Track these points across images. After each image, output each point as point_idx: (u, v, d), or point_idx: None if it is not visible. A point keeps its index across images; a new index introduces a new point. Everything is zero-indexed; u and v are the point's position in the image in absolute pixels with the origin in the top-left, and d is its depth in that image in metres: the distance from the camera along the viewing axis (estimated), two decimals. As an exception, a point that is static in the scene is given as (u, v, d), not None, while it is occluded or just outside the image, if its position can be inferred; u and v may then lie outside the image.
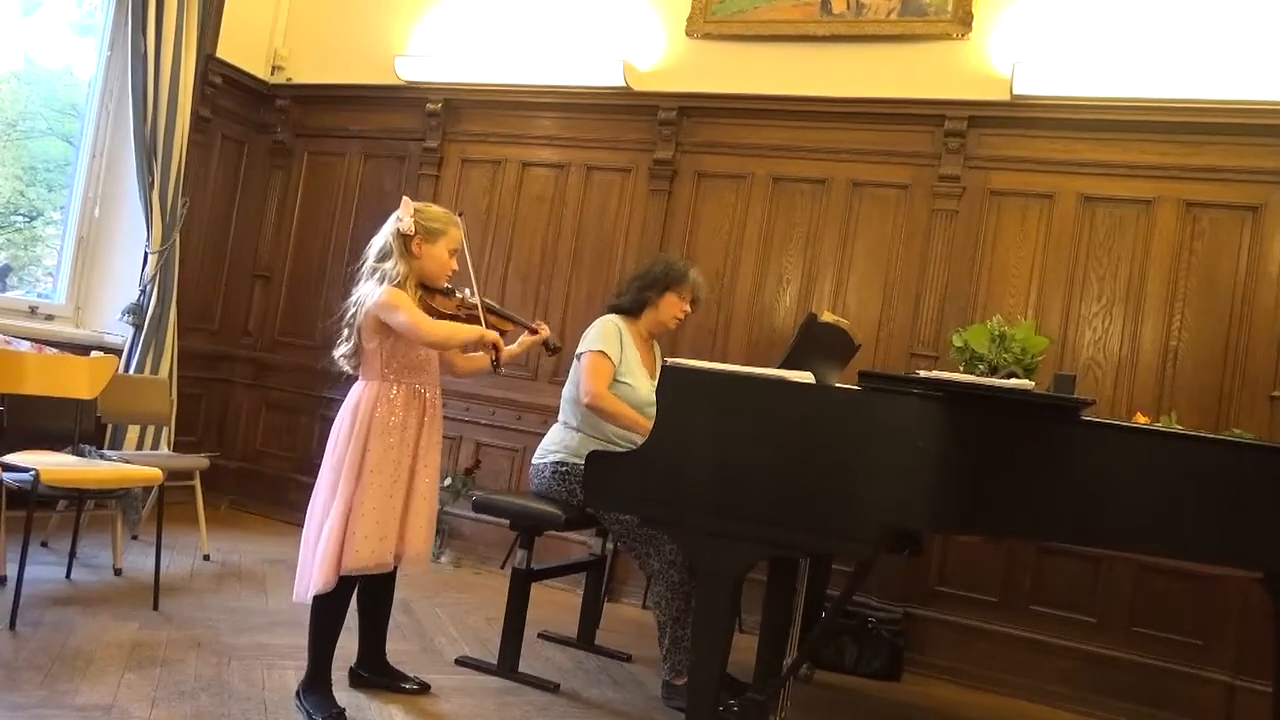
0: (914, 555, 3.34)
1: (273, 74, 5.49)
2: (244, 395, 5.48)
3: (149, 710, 2.54)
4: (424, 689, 2.97)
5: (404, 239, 2.72)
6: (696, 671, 2.48)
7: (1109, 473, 2.33)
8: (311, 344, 5.29)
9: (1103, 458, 2.34)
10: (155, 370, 4.67)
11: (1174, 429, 2.58)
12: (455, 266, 2.82)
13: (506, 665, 3.22)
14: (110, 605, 3.37)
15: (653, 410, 3.31)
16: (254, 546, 4.56)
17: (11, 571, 3.22)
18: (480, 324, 2.79)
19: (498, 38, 5.01)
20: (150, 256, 4.69)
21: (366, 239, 2.83)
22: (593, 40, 4.81)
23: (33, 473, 3.11)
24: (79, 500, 3.77)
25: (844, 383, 2.86)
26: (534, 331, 2.98)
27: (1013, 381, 2.38)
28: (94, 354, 4.17)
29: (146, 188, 4.64)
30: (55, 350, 4.04)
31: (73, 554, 3.73)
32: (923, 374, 2.38)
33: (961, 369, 2.91)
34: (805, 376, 2.47)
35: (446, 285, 2.82)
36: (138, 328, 4.65)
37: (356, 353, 2.74)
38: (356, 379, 2.79)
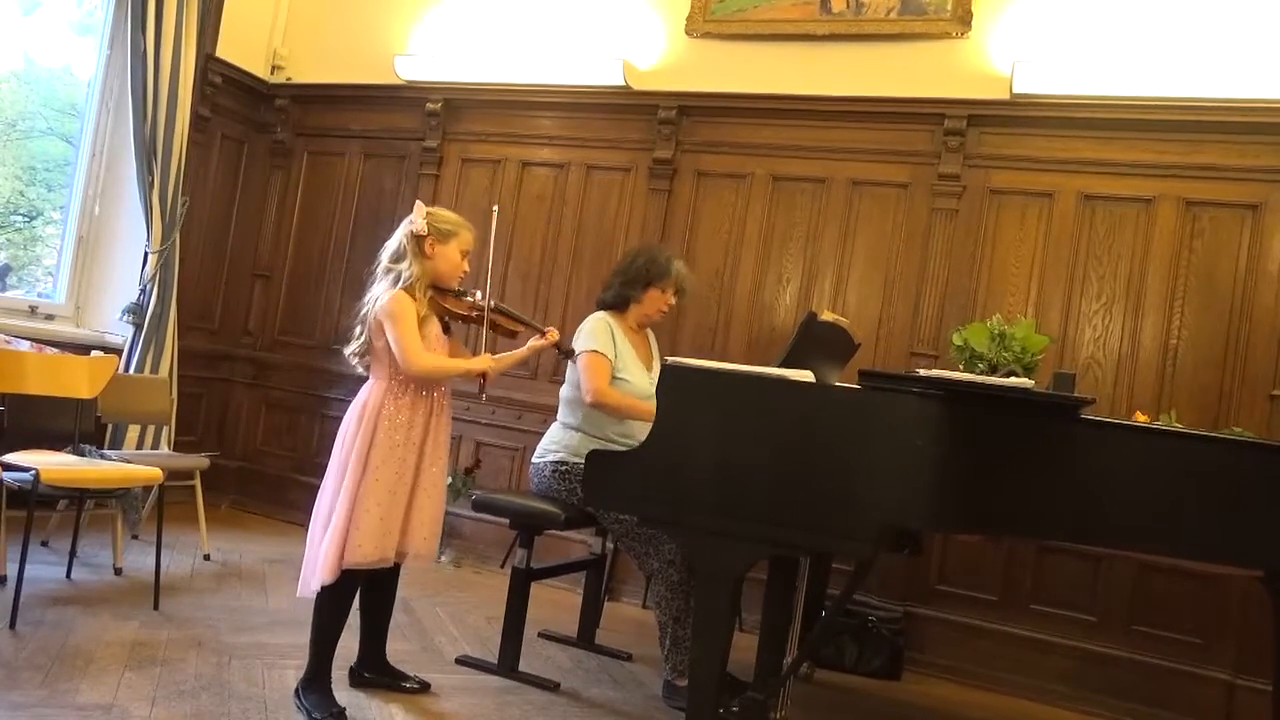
0: (914, 554, 3.33)
1: (272, 73, 5.49)
2: (244, 395, 5.48)
3: (149, 709, 2.54)
4: (424, 688, 2.97)
5: (417, 240, 2.76)
6: (697, 671, 2.48)
7: (1109, 471, 2.33)
8: (312, 343, 5.29)
9: (1103, 456, 2.34)
10: (155, 370, 4.67)
11: (1174, 427, 2.58)
12: (467, 268, 2.86)
13: (507, 664, 3.22)
14: (110, 605, 3.38)
15: (652, 402, 3.34)
16: (254, 546, 4.56)
17: (12, 571, 3.22)
18: (485, 325, 2.82)
19: (497, 37, 5.01)
20: (150, 256, 4.69)
21: (366, 238, 2.86)
22: (592, 39, 4.81)
23: (33, 472, 3.11)
24: (79, 500, 3.77)
25: (844, 382, 2.86)
26: (543, 335, 3.00)
27: (1013, 380, 2.38)
28: (94, 354, 4.18)
29: (146, 187, 4.64)
30: (55, 350, 4.04)
31: (73, 553, 3.73)
32: (923, 373, 2.38)
33: (961, 368, 2.92)
34: (805, 375, 2.47)
35: (459, 287, 2.85)
36: (138, 327, 4.65)
37: (367, 351, 2.78)
38: (366, 379, 2.81)
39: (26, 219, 4.95)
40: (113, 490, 3.79)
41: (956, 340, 3.00)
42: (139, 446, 4.57)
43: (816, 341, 2.89)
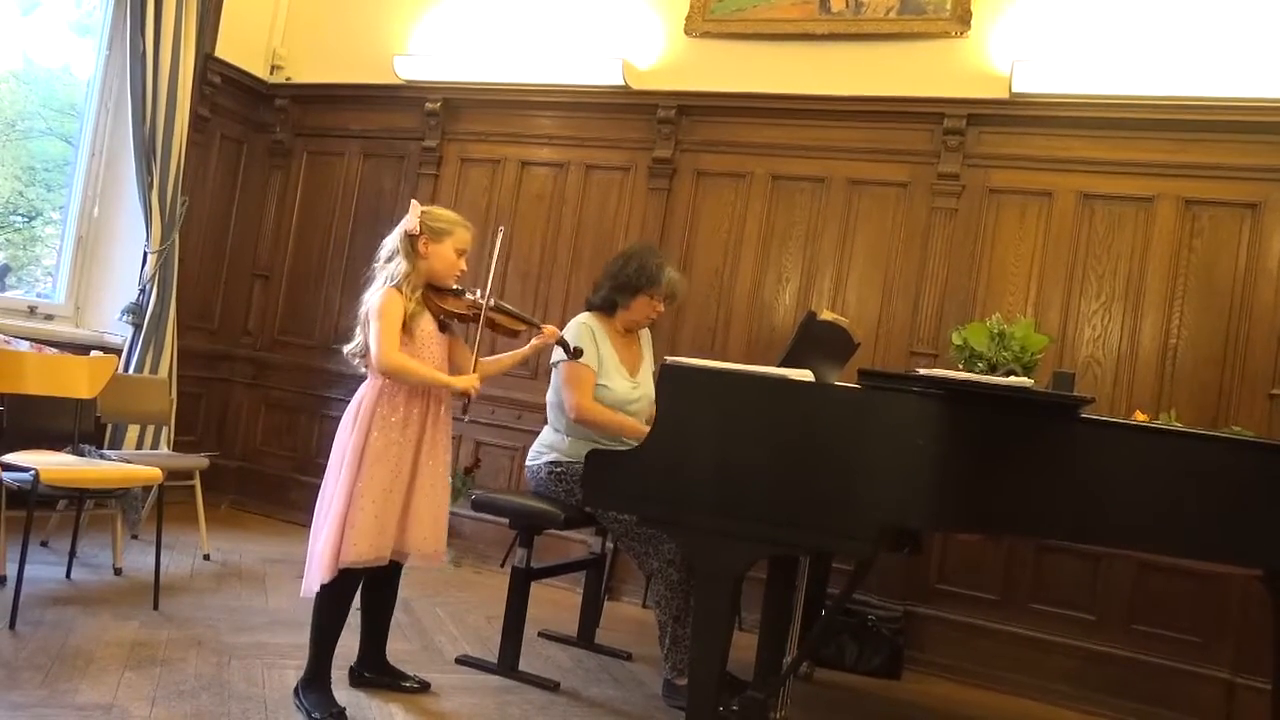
0: (914, 553, 3.34)
1: (272, 73, 5.49)
2: (244, 395, 5.48)
3: (149, 709, 2.54)
4: (424, 688, 2.97)
5: (410, 238, 2.76)
6: (697, 670, 2.48)
7: (1109, 471, 2.33)
8: (311, 343, 5.29)
9: (1102, 456, 2.34)
10: (155, 370, 4.67)
11: (1173, 427, 2.58)
12: (464, 267, 2.85)
13: (507, 664, 3.22)
14: (110, 605, 3.38)
15: (633, 409, 3.34)
16: (254, 546, 4.56)
17: (11, 571, 3.22)
18: (480, 324, 2.81)
19: (497, 37, 5.01)
20: (150, 256, 4.69)
21: (366, 238, 2.86)
22: (592, 39, 4.81)
23: (33, 472, 3.11)
24: (79, 500, 3.77)
25: (843, 381, 2.86)
26: (540, 331, 2.99)
27: (1012, 379, 2.38)
28: (94, 353, 4.17)
29: (146, 187, 4.64)
30: (55, 350, 4.04)
31: (73, 553, 3.73)
32: (922, 372, 2.38)
33: (961, 367, 2.92)
34: (805, 375, 2.47)
35: (455, 286, 2.83)
36: (137, 327, 4.65)
37: (364, 350, 2.76)
38: (365, 378, 2.81)
39: (26, 219, 4.95)
40: (112, 490, 3.79)
41: (956, 339, 3.00)
42: (139, 446, 4.57)
43: (816, 341, 2.89)
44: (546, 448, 3.42)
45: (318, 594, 2.67)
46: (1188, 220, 3.83)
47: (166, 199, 4.71)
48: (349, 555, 2.62)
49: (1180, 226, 3.83)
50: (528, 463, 3.49)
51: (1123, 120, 3.89)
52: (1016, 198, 4.08)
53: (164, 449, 4.64)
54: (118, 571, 3.78)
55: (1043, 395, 2.39)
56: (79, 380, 3.70)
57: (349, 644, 2.87)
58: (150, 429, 4.61)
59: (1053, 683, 3.77)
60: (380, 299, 2.69)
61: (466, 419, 2.89)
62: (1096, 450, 2.34)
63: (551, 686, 3.16)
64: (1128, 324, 3.88)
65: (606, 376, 3.37)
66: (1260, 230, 3.72)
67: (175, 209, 4.77)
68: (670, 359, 2.58)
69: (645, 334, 3.64)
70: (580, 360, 3.28)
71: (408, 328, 2.72)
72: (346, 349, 2.83)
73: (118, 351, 4.60)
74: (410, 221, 2.76)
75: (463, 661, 3.30)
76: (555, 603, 4.10)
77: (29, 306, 4.64)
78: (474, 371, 2.80)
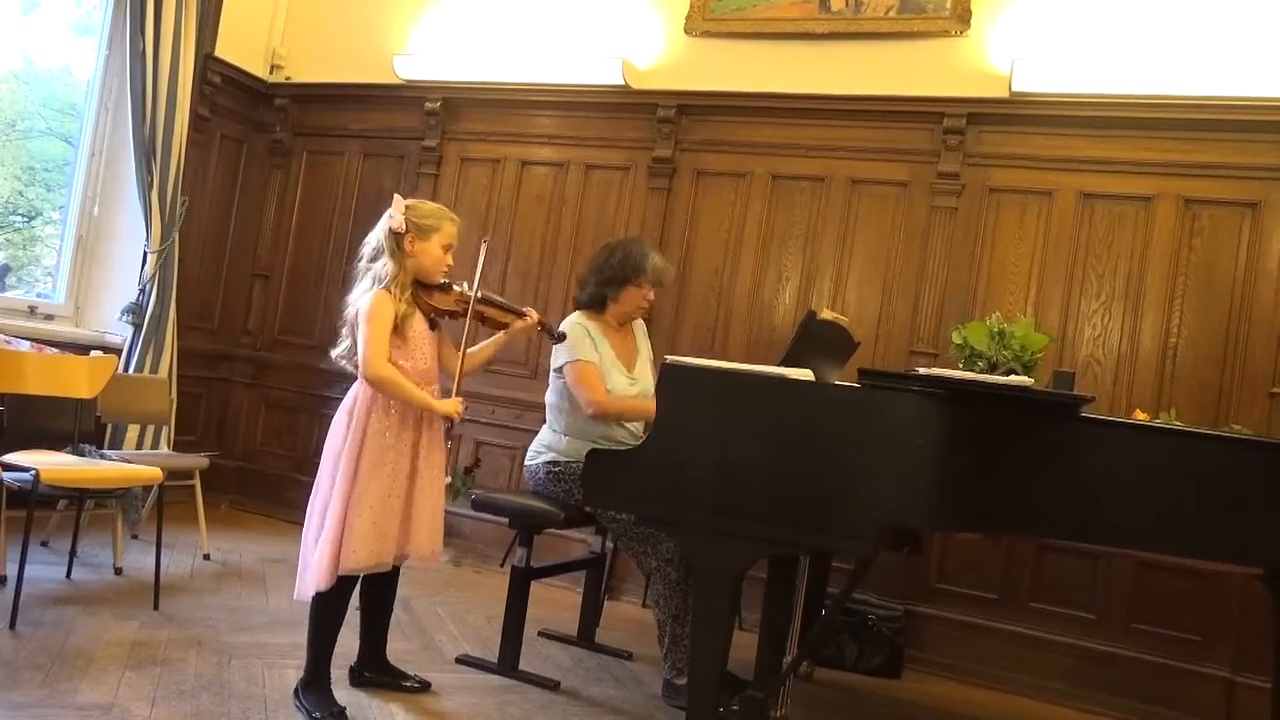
0: (914, 553, 3.34)
1: (271, 73, 5.49)
2: (244, 394, 5.48)
3: (149, 709, 2.54)
4: (424, 687, 2.97)
5: (396, 237, 2.70)
6: (696, 669, 2.48)
7: (1109, 470, 2.34)
8: (311, 343, 5.29)
9: (1102, 455, 2.34)
10: (155, 370, 4.67)
11: (1173, 426, 2.58)
12: (450, 262, 2.79)
13: (507, 663, 3.22)
14: (110, 604, 3.38)
15: (643, 399, 3.33)
16: (254, 546, 4.56)
17: (12, 571, 3.22)
18: (469, 318, 2.77)
19: (496, 36, 5.01)
20: (149, 256, 4.69)
21: (365, 238, 2.83)
22: (592, 38, 4.81)
23: (33, 472, 3.11)
24: (79, 500, 3.77)
25: (843, 380, 2.86)
26: (523, 317, 2.93)
27: (1012, 378, 2.38)
28: (94, 353, 4.18)
29: (145, 187, 4.63)
30: (55, 350, 4.04)
31: (73, 553, 3.73)
32: (922, 371, 2.38)
33: (961, 366, 2.91)
34: (805, 374, 2.47)
35: (444, 280, 2.80)
36: (137, 327, 4.65)
37: (354, 352, 2.73)
38: (357, 378, 2.77)
39: (26, 219, 4.95)
40: (112, 490, 3.79)
41: (956, 339, 3.00)
42: (139, 446, 4.57)
43: (816, 340, 2.89)
44: (544, 448, 3.42)
45: (314, 598, 2.66)
46: (1188, 219, 3.83)
47: (166, 199, 4.71)
48: (348, 563, 2.61)
49: (1180, 226, 3.83)
50: (526, 463, 3.49)
51: (1123, 119, 3.89)
52: (1016, 197, 4.08)
53: (164, 449, 4.64)
54: (118, 571, 3.78)
55: (1043, 394, 2.39)
56: (79, 380, 3.70)
57: (349, 644, 2.87)
58: (150, 429, 4.61)
59: (1053, 682, 3.77)
60: (371, 303, 2.64)
61: (449, 444, 2.81)
62: (1097, 449, 2.34)
63: (552, 686, 3.16)
64: (1128, 323, 3.88)
65: (604, 374, 3.36)
66: (1260, 229, 3.72)
67: (175, 209, 4.77)
68: (670, 358, 2.58)
69: (640, 326, 3.63)
70: (583, 359, 3.28)
71: (399, 330, 2.68)
72: (334, 353, 2.79)
73: (118, 351, 4.60)
74: (396, 219, 2.69)
75: (463, 661, 3.30)
76: (555, 602, 4.10)
77: (29, 306, 4.64)
78: (461, 364, 2.76)
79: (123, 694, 2.61)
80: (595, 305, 3.47)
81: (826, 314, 3.08)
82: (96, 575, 3.73)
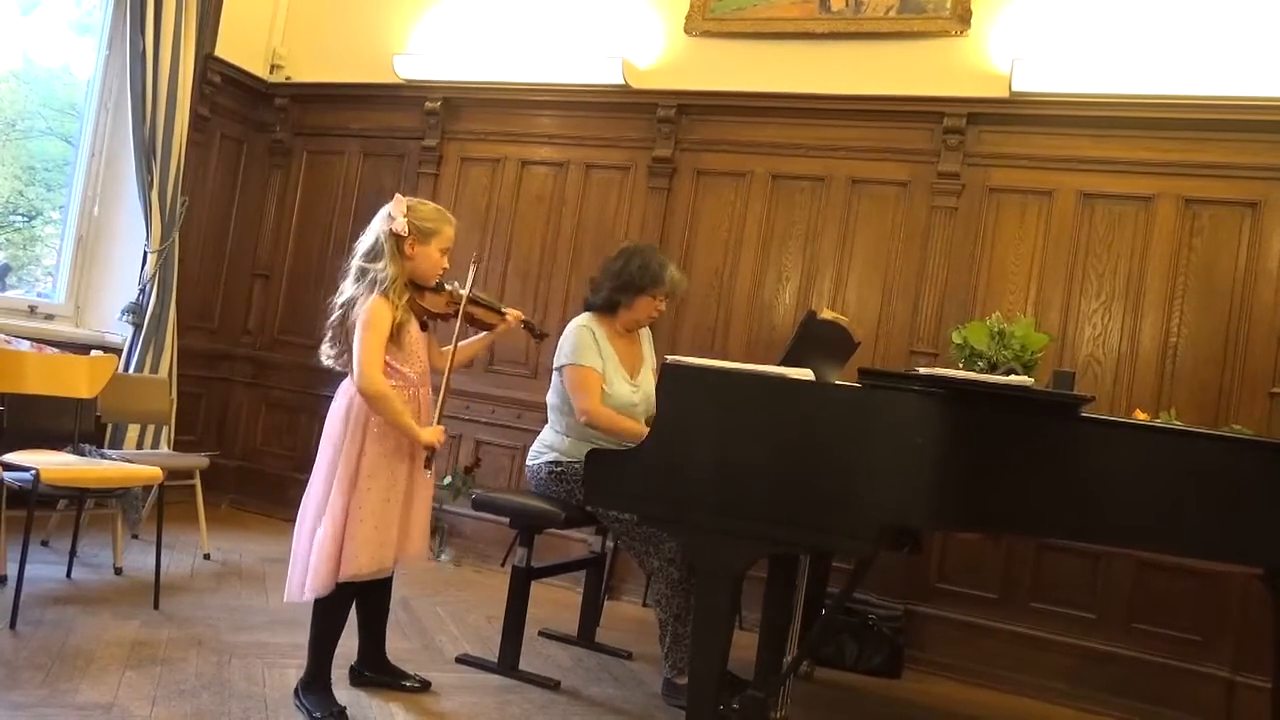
0: (914, 552, 3.34)
1: (271, 73, 5.49)
2: (244, 394, 5.48)
3: (149, 709, 2.54)
4: (424, 687, 2.97)
5: (397, 239, 2.66)
6: (697, 669, 2.48)
7: (1109, 470, 2.34)
8: (311, 343, 5.21)
9: (1102, 455, 2.34)
10: (155, 369, 4.67)
11: (1173, 425, 2.58)
12: (447, 265, 2.78)
13: (507, 663, 3.22)
14: (111, 604, 3.38)
15: (632, 412, 3.33)
16: (254, 545, 4.56)
17: (12, 571, 3.22)
18: (459, 318, 2.79)
19: (496, 36, 5.01)
20: (150, 255, 4.69)
21: (361, 235, 2.81)
22: (592, 38, 4.81)
23: (33, 472, 3.11)
24: (79, 499, 3.77)
25: (844, 380, 2.86)
26: (503, 317, 2.96)
27: (1012, 378, 2.38)
28: (94, 353, 4.17)
29: (145, 187, 4.63)
30: (55, 350, 4.04)
31: (73, 553, 3.73)
32: (922, 371, 2.38)
33: (961, 366, 2.92)
34: (805, 374, 2.47)
35: (437, 282, 2.79)
36: (137, 327, 4.65)
37: (346, 353, 2.70)
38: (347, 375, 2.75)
39: (26, 219, 4.95)
40: (113, 490, 3.79)
41: (956, 338, 3.00)
42: (139, 446, 4.57)
43: (816, 340, 2.89)
44: (546, 447, 3.42)
45: (315, 603, 2.66)
46: (1188, 219, 3.83)
47: (166, 198, 4.71)
48: (349, 569, 2.59)
49: (1180, 225, 3.83)
50: (528, 462, 3.49)
51: (1123, 119, 3.89)
52: (1016, 197, 4.08)
53: (164, 448, 4.64)
54: (118, 571, 3.78)
55: (1043, 394, 2.39)
56: (79, 380, 3.70)
57: (349, 643, 2.87)
58: (150, 428, 4.61)
59: (1053, 681, 3.77)
60: (370, 311, 2.60)
61: (430, 474, 2.77)
62: (1097, 449, 2.34)
63: (552, 686, 3.16)
64: (1128, 323, 3.88)
65: (607, 380, 3.34)
66: (1260, 229, 3.72)
67: (175, 208, 4.77)
68: (670, 358, 2.58)
69: (645, 333, 3.62)
70: (585, 364, 3.27)
71: (395, 337, 2.64)
72: (323, 351, 2.76)
73: (118, 351, 4.60)
74: (398, 222, 2.65)
75: (463, 661, 3.30)
76: (555, 602, 4.10)
77: (29, 306, 4.64)
78: (449, 363, 2.77)
79: (123, 694, 2.61)
80: (606, 309, 3.44)
81: (826, 314, 3.08)
82: (97, 575, 3.73)
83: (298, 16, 5.53)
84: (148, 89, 4.60)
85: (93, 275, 4.89)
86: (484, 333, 3.01)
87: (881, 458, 2.28)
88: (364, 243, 2.73)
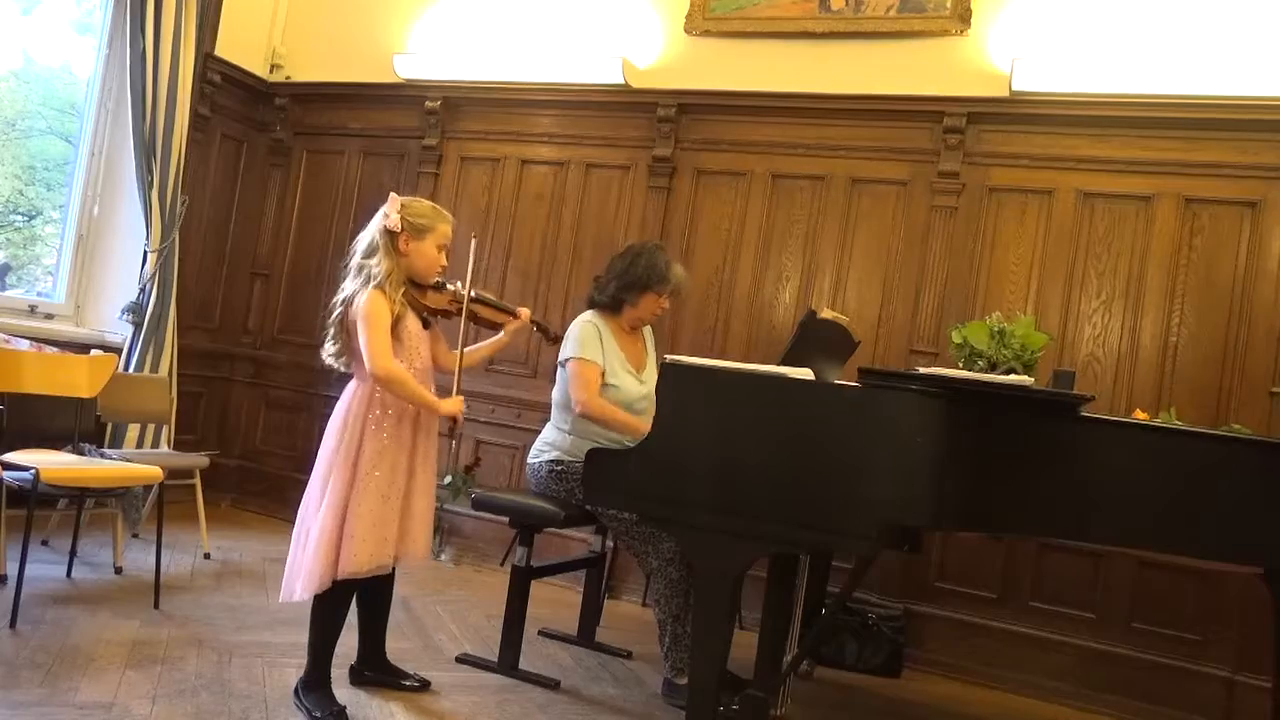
0: (913, 551, 3.33)
1: (271, 72, 5.49)
2: (244, 393, 5.49)
3: (150, 708, 2.54)
4: (424, 686, 2.97)
5: (390, 236, 2.68)
6: (696, 669, 2.48)
7: (1109, 469, 2.34)
8: (311, 342, 5.25)
9: (1102, 454, 2.34)
10: (155, 369, 4.67)
11: (1173, 425, 2.58)
12: (445, 262, 2.78)
13: (507, 662, 3.22)
14: (111, 603, 3.38)
15: (641, 406, 3.34)
16: (254, 544, 4.56)
17: (12, 570, 3.23)
18: (464, 318, 2.78)
19: (496, 35, 5.01)
20: (150, 255, 4.68)
21: (359, 234, 2.81)
22: (592, 37, 4.81)
23: (33, 471, 3.11)
24: (79, 499, 3.78)
25: (844, 379, 2.86)
26: (515, 317, 2.97)
27: (1012, 378, 2.38)
28: (94, 353, 4.17)
29: (146, 186, 4.63)
30: (55, 349, 4.04)
31: (73, 552, 3.74)
32: (922, 370, 2.38)
33: (961, 365, 2.91)
34: (805, 373, 2.47)
35: (438, 280, 2.79)
36: (137, 326, 4.65)
37: (346, 352, 2.72)
38: (350, 377, 2.77)
39: (26, 218, 4.95)
40: (113, 489, 3.80)
41: (956, 338, 2.99)
42: (139, 445, 4.57)
43: (816, 339, 2.89)
44: (549, 446, 3.42)
45: (314, 602, 2.66)
46: (1188, 218, 3.83)
47: (166, 198, 4.71)
48: (348, 566, 2.59)
49: (1180, 225, 3.83)
50: (529, 460, 3.49)
51: (1123, 119, 3.89)
52: (1016, 196, 4.08)
53: (164, 448, 4.64)
54: (118, 570, 3.79)
55: (1043, 393, 2.39)
56: (79, 379, 3.70)
57: (349, 643, 2.87)
58: (150, 428, 4.61)
59: (1053, 681, 3.77)
60: (367, 304, 2.61)
61: (455, 444, 2.80)
62: (1097, 449, 2.34)
63: (552, 685, 3.16)
64: (1128, 322, 3.88)
65: (614, 375, 3.37)
66: (1260, 228, 3.72)
67: (175, 208, 4.77)
68: (670, 357, 2.58)
69: (648, 330, 3.64)
70: (586, 357, 3.28)
71: (395, 331, 2.65)
72: (324, 351, 2.76)
73: (118, 350, 4.60)
74: (391, 219, 2.67)
75: (463, 660, 3.30)
76: (555, 601, 4.10)
77: (29, 305, 4.64)
78: (459, 363, 2.76)
79: (123, 693, 2.62)
80: (612, 307, 3.47)
81: (826, 313, 3.09)
82: (97, 574, 3.73)
83: (298, 16, 5.53)
84: (148, 88, 4.60)
85: (93, 274, 4.89)
86: (493, 335, 3.02)
87: (881, 457, 2.28)
88: (361, 241, 2.75)
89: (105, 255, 4.89)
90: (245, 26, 5.29)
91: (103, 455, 3.84)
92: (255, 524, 5.05)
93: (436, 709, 2.86)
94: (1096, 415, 2.46)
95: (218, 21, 5.09)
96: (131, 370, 4.60)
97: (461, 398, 2.73)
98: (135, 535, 4.29)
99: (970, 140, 4.12)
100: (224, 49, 5.14)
